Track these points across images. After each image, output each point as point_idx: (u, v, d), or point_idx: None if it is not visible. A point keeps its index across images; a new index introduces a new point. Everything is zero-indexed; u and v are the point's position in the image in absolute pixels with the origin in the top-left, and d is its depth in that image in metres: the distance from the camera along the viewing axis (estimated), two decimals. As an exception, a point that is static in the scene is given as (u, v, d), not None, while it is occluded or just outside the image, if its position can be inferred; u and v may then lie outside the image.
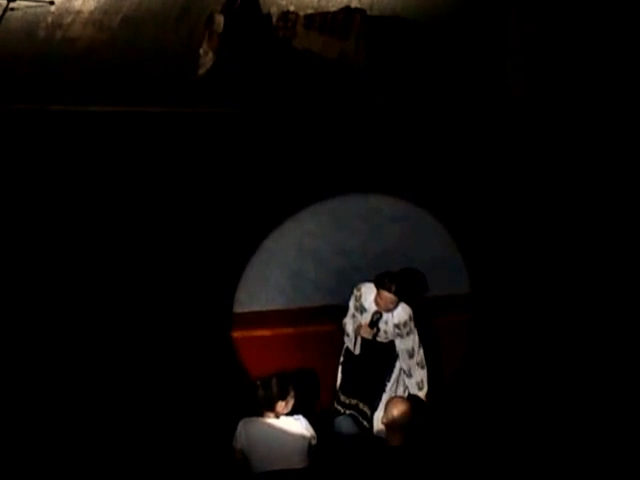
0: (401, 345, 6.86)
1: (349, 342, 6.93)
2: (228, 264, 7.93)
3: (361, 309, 6.84)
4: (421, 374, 6.97)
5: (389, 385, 7.03)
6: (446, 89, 9.45)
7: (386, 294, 6.64)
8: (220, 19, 9.56)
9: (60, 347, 7.50)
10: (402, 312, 6.81)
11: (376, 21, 9.97)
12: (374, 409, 7.04)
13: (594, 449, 6.54)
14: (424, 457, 5.88)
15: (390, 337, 6.85)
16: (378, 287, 6.69)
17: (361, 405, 7.05)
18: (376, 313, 6.73)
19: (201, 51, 9.55)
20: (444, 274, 7.99)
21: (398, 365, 6.96)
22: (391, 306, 6.69)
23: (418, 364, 6.96)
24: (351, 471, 5.96)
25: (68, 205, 8.21)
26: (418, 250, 8.02)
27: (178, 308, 7.72)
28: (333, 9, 10.14)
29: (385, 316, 6.80)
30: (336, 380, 7.23)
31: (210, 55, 9.52)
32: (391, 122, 9.02)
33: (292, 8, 10.28)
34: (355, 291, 6.91)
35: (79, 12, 10.07)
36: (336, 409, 7.22)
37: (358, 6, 10.13)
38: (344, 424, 7.10)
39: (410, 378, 6.92)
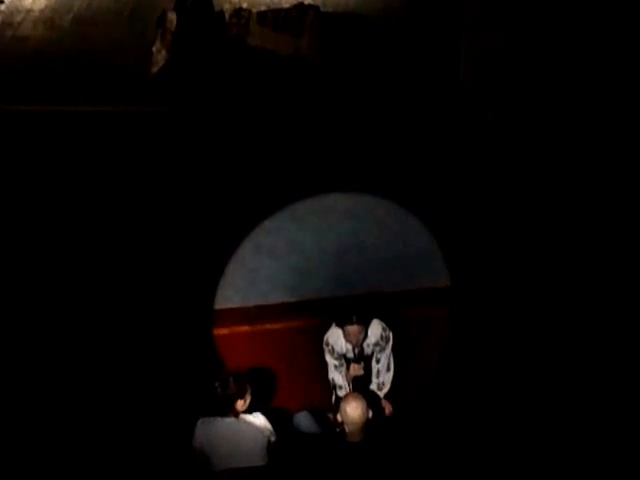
0: (381, 355, 6.86)
1: (341, 392, 6.90)
2: (208, 261, 7.86)
3: (339, 357, 6.84)
4: (386, 377, 6.97)
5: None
6: (400, 84, 9.46)
7: (351, 328, 6.64)
8: (172, 17, 9.49)
9: (41, 342, 7.43)
10: (374, 329, 6.85)
11: (330, 17, 9.92)
12: None
13: (582, 443, 6.55)
14: (383, 453, 5.84)
15: (371, 350, 6.86)
16: (341, 326, 6.67)
17: None
18: (354, 348, 6.73)
19: (154, 49, 9.48)
20: (403, 269, 7.97)
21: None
22: (361, 336, 6.69)
23: (387, 367, 6.97)
24: (310, 468, 5.94)
25: (26, 206, 8.11)
26: (376, 246, 8.00)
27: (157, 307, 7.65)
28: (286, 6, 10.13)
29: (364, 344, 6.81)
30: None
31: (163, 53, 9.45)
32: (347, 118, 9.00)
33: (245, 5, 10.24)
34: (324, 346, 6.89)
35: (29, 11, 9.96)
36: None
37: (311, 2, 10.09)
38: (303, 421, 7.07)
39: (377, 378, 6.91)
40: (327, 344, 6.86)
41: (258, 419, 6.34)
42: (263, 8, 10.14)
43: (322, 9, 10.00)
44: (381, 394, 6.98)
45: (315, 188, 8.36)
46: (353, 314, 6.65)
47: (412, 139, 8.83)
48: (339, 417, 5.93)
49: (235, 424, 6.27)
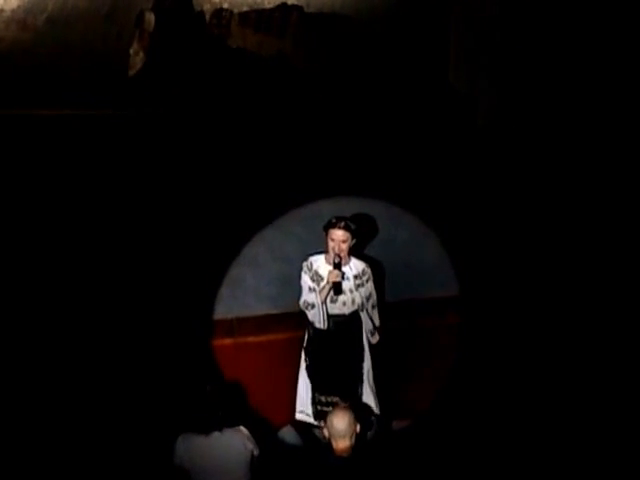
0: (364, 293, 6.62)
1: (316, 316, 6.59)
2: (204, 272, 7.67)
3: (318, 278, 6.57)
4: (376, 316, 6.77)
5: (365, 374, 6.77)
6: (388, 86, 9.35)
7: (336, 232, 6.42)
8: (151, 17, 9.40)
9: (39, 348, 7.18)
10: (357, 262, 6.64)
11: (314, 18, 9.80)
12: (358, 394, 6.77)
13: (588, 450, 6.41)
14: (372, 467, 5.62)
15: (350, 297, 6.60)
16: (327, 229, 6.46)
17: (337, 399, 6.74)
18: (335, 256, 6.50)
19: (131, 51, 9.39)
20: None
21: (367, 351, 6.73)
22: (344, 246, 6.46)
23: (374, 307, 6.74)
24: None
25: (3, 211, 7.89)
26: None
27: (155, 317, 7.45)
28: (269, 6, 10.03)
29: (345, 272, 6.56)
30: (298, 387, 6.90)
31: (141, 55, 9.39)
32: (334, 121, 8.87)
33: (226, 5, 10.12)
34: (305, 265, 6.64)
35: (1, 11, 9.77)
36: (315, 412, 6.86)
37: (295, 3, 9.93)
38: (287, 436, 6.78)
39: (370, 322, 6.71)
40: (307, 261, 6.59)
41: (241, 433, 6.10)
42: (245, 9, 10.05)
43: (306, 10, 9.88)
44: (374, 340, 6.75)
45: (302, 194, 8.17)
46: (342, 220, 6.39)
47: (401, 141, 8.69)
48: (325, 431, 5.65)
49: (217, 439, 6.03)
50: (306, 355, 6.76)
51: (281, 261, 7.69)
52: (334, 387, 6.71)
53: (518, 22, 9.55)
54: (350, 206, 7.74)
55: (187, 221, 7.96)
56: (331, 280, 6.47)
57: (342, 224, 6.39)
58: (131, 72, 9.37)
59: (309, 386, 6.78)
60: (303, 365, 6.79)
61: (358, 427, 5.53)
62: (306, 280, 6.54)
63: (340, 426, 5.49)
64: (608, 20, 9.09)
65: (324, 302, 6.53)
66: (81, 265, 7.59)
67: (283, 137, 8.73)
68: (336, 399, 6.65)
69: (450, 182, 8.37)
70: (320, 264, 6.53)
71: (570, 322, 7.23)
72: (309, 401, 6.77)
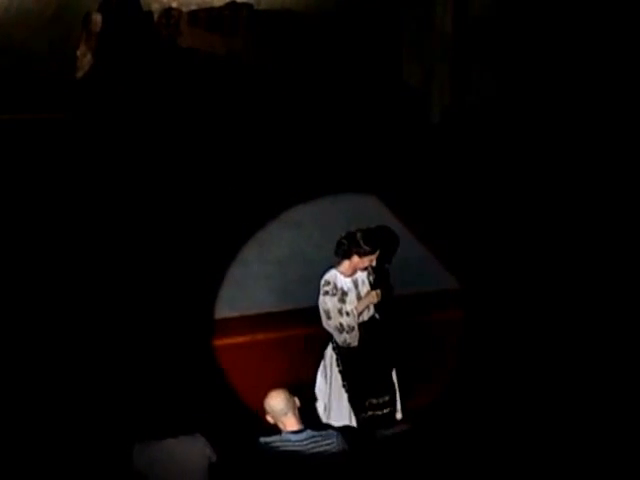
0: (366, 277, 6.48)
1: (354, 338, 6.38)
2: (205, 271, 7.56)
3: (343, 294, 6.35)
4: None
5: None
6: (341, 83, 9.29)
7: (369, 258, 6.21)
8: (98, 18, 9.22)
9: (38, 348, 7.06)
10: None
11: (264, 16, 9.72)
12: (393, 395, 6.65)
13: (591, 448, 6.39)
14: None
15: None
16: (352, 255, 6.21)
17: (378, 400, 6.63)
18: (370, 275, 6.32)
19: (78, 53, 9.22)
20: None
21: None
22: (374, 262, 6.28)
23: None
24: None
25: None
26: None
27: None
28: (218, 5, 9.86)
29: (359, 278, 6.38)
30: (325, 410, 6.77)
31: (88, 57, 9.21)
32: (285, 118, 8.81)
33: (175, 5, 9.97)
34: (328, 288, 6.34)
35: (-57, 13, 9.60)
36: (363, 419, 6.73)
37: (245, 1, 9.82)
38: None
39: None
40: (327, 283, 6.30)
41: (198, 440, 6.00)
42: (194, 8, 9.90)
43: (256, 7, 9.80)
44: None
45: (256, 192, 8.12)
46: (369, 241, 6.14)
47: (355, 138, 8.65)
48: (269, 418, 5.60)
49: (175, 445, 5.93)
50: (343, 376, 6.56)
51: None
52: (382, 387, 6.56)
53: (471, 18, 9.57)
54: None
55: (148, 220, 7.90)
56: (372, 301, 6.30)
57: (371, 249, 6.16)
58: (79, 74, 9.20)
59: (345, 399, 6.60)
60: (339, 384, 6.59)
61: (297, 400, 5.47)
62: (335, 303, 6.23)
63: (279, 405, 5.47)
64: (566, 13, 9.14)
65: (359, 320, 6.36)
66: (62, 265, 7.50)
67: (235, 136, 8.67)
68: (387, 397, 6.55)
69: (407, 176, 8.33)
70: (338, 280, 6.26)
71: (566, 318, 7.18)
72: (351, 413, 6.57)
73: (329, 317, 6.25)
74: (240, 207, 7.98)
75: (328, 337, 6.41)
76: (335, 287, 6.22)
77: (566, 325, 7.11)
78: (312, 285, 6.54)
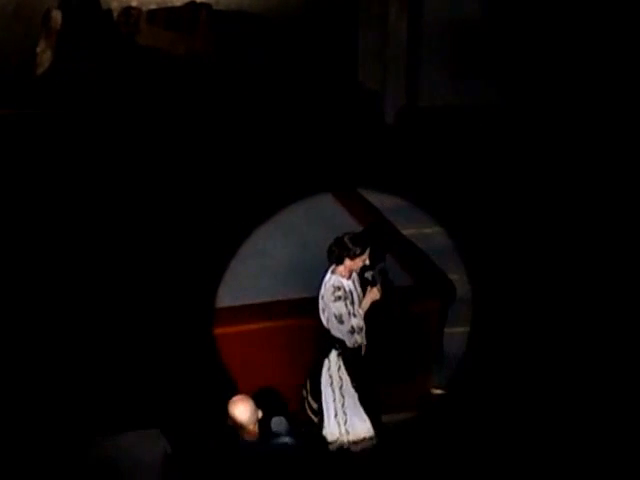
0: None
1: (362, 337, 6.48)
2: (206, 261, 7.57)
3: (352, 297, 6.45)
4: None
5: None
6: (297, 83, 9.38)
7: (361, 258, 6.30)
8: (57, 15, 9.25)
9: (36, 342, 7.04)
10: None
11: (223, 15, 9.78)
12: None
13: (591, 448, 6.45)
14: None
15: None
16: (344, 260, 6.28)
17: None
18: (365, 273, 6.42)
19: (38, 49, 9.24)
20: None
21: None
22: (367, 261, 6.37)
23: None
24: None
25: None
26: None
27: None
28: (178, 4, 9.92)
29: (354, 277, 6.53)
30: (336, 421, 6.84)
31: (48, 54, 9.23)
32: (242, 117, 8.88)
33: (134, 3, 9.96)
34: (337, 292, 6.33)
35: None
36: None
37: (204, 1, 9.88)
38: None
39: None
40: (337, 289, 6.32)
41: (153, 433, 6.08)
42: (153, 7, 9.91)
43: (215, 7, 9.83)
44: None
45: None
46: (358, 244, 6.20)
47: (311, 139, 8.72)
48: (229, 420, 5.72)
49: (129, 440, 6.00)
50: (353, 378, 6.64)
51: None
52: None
53: (425, 21, 9.70)
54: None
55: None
56: (375, 298, 6.37)
57: (361, 250, 6.22)
58: (39, 71, 9.21)
59: (357, 400, 6.64)
60: (350, 386, 6.69)
61: (260, 413, 5.59)
62: (348, 307, 6.30)
63: (244, 417, 5.58)
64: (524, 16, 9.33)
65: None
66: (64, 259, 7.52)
67: (192, 132, 8.73)
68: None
69: (362, 176, 8.43)
70: (343, 282, 6.36)
71: (563, 317, 7.25)
72: (368, 424, 6.64)
73: (341, 321, 6.31)
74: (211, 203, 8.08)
75: (327, 344, 6.47)
76: (345, 291, 6.30)
77: (564, 324, 7.19)
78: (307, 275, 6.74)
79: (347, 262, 6.23)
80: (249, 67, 9.43)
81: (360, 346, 6.42)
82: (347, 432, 6.59)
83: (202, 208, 7.95)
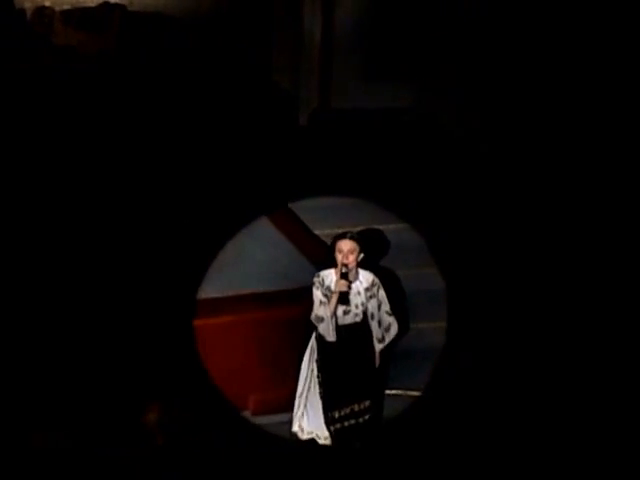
0: (375, 304, 6.73)
1: (325, 330, 6.61)
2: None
3: (330, 293, 6.61)
4: (389, 320, 6.88)
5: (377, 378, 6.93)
6: (213, 84, 9.39)
7: (344, 242, 6.53)
8: None
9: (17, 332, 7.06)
10: (367, 274, 6.79)
11: (137, 16, 9.74)
12: (376, 400, 6.87)
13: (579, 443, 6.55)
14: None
15: (361, 309, 6.67)
16: (335, 242, 6.58)
17: (356, 407, 6.77)
18: (342, 266, 6.55)
19: None
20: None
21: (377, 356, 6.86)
22: (351, 257, 6.56)
23: (389, 314, 6.89)
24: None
25: None
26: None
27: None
28: (91, 4, 9.83)
29: (355, 287, 6.64)
30: (301, 405, 6.85)
31: None
32: (158, 117, 8.89)
33: (48, 3, 9.85)
34: (316, 281, 6.69)
35: None
36: (333, 432, 6.84)
37: (118, 1, 9.84)
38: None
39: (379, 330, 6.86)
40: (318, 276, 6.70)
41: None
42: (67, 7, 9.80)
43: (129, 8, 9.79)
44: (378, 347, 6.87)
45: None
46: (351, 232, 6.66)
47: (223, 141, 8.80)
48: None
49: None
50: (319, 369, 6.77)
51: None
52: (348, 397, 6.79)
53: (338, 21, 9.81)
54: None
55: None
56: (338, 290, 6.56)
57: (349, 235, 6.50)
58: (-51, 74, 9.05)
59: (320, 405, 6.80)
60: (315, 381, 6.77)
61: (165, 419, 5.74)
62: (318, 295, 6.60)
63: (154, 419, 5.68)
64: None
65: (333, 314, 6.58)
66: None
67: (106, 133, 8.74)
68: (348, 410, 6.74)
69: (275, 177, 8.52)
70: (332, 279, 6.57)
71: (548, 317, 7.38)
72: (322, 422, 6.82)
73: (312, 308, 6.70)
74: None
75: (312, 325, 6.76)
76: (323, 282, 6.66)
77: (541, 316, 7.37)
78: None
79: (337, 256, 6.46)
80: (162, 68, 9.42)
81: (332, 342, 6.66)
82: (301, 428, 6.76)
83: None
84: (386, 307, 6.88)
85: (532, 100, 8.68)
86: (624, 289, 7.41)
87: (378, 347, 6.84)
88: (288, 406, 6.93)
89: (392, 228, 7.91)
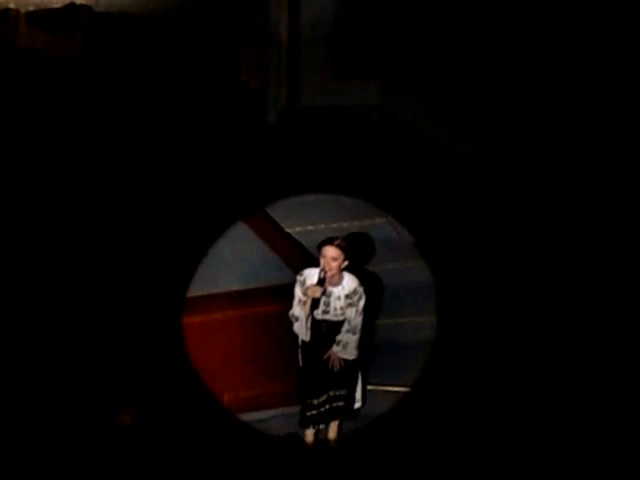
0: (351, 313, 6.69)
1: (299, 328, 6.61)
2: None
3: (306, 291, 6.59)
4: (351, 338, 6.70)
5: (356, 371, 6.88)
6: (181, 84, 9.41)
7: (328, 249, 6.47)
8: None
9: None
10: (350, 281, 6.60)
11: (103, 17, 9.72)
12: (351, 388, 6.87)
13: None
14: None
15: (340, 312, 6.64)
16: (321, 246, 6.50)
17: (332, 393, 6.77)
18: (321, 271, 6.52)
19: None
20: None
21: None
22: (333, 264, 6.49)
23: (354, 332, 6.70)
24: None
25: None
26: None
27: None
28: (57, 6, 9.81)
29: (336, 291, 6.60)
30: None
31: None
32: (126, 118, 8.88)
33: (12, 5, 9.80)
34: (298, 277, 6.61)
35: None
36: (308, 418, 6.85)
37: (83, 2, 9.82)
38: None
39: (345, 334, 6.69)
40: (301, 274, 6.59)
41: None
42: (32, 8, 9.76)
43: (95, 9, 9.77)
44: (345, 355, 6.73)
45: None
46: (337, 238, 6.50)
47: (193, 139, 8.80)
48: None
49: None
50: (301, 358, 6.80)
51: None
52: (323, 388, 6.77)
53: (305, 19, 9.84)
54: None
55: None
56: (310, 295, 6.51)
57: (336, 242, 6.45)
58: None
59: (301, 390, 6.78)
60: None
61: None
62: (297, 293, 6.50)
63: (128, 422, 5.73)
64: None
65: (309, 316, 6.56)
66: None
67: (73, 135, 8.73)
68: (324, 397, 6.74)
69: (245, 175, 8.53)
70: (314, 279, 6.50)
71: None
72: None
73: (293, 305, 6.61)
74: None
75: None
76: (304, 281, 6.53)
77: (525, 311, 7.32)
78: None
79: (321, 255, 6.47)
80: (128, 69, 9.41)
81: (317, 334, 6.64)
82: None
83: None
84: (358, 321, 6.91)
85: (498, 89, 8.75)
86: (611, 281, 7.46)
87: (335, 349, 6.89)
88: (273, 403, 6.97)
89: (367, 224, 8.00)
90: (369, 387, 7.15)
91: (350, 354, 6.69)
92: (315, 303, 6.56)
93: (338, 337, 6.69)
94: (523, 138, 8.45)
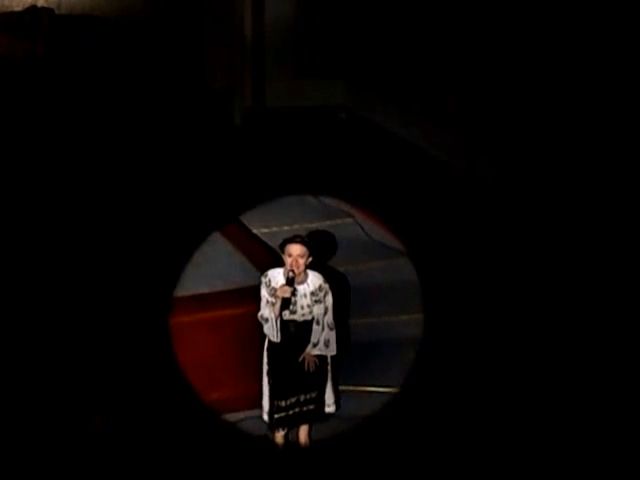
0: (321, 310, 6.67)
1: (270, 330, 6.56)
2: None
3: (273, 291, 6.56)
4: (330, 334, 6.68)
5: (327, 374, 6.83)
6: (145, 84, 9.37)
7: (293, 247, 6.44)
8: None
9: None
10: (314, 278, 6.59)
11: (65, 20, 9.67)
12: (320, 391, 6.80)
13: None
14: None
15: (307, 310, 6.61)
16: (284, 246, 6.49)
17: (302, 397, 6.73)
18: (289, 271, 6.49)
19: None
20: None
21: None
22: (301, 261, 6.47)
23: (329, 325, 6.70)
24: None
25: None
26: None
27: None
28: (18, 9, 9.75)
29: (301, 289, 6.58)
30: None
31: None
32: (88, 120, 8.84)
33: None
34: (262, 278, 6.59)
35: None
36: (276, 420, 6.80)
37: (45, 5, 9.75)
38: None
39: (320, 335, 6.64)
40: (265, 276, 6.57)
41: None
42: None
43: (57, 12, 9.72)
44: (329, 352, 6.72)
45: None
46: (300, 236, 6.51)
47: (159, 141, 8.75)
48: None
49: None
50: (267, 360, 6.75)
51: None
52: (293, 390, 6.73)
53: (269, 20, 9.84)
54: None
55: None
56: (280, 295, 6.47)
57: (299, 239, 6.43)
58: None
59: (267, 394, 6.75)
60: (265, 370, 6.76)
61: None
62: (264, 294, 6.47)
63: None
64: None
65: (278, 316, 6.53)
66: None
67: (33, 139, 8.67)
68: (294, 399, 6.71)
69: (211, 176, 8.52)
70: (279, 279, 6.46)
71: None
72: (267, 410, 6.73)
73: (261, 306, 6.59)
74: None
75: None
76: (269, 282, 6.52)
77: (510, 308, 7.30)
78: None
79: (285, 254, 6.45)
80: (91, 71, 9.37)
81: (285, 336, 6.60)
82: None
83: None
84: (329, 317, 6.90)
85: (464, 87, 8.80)
86: (603, 278, 7.50)
87: (310, 350, 6.87)
88: (245, 405, 6.94)
89: (334, 224, 8.03)
90: (359, 388, 7.19)
91: (332, 350, 6.69)
92: (285, 303, 6.57)
93: (315, 338, 6.71)
94: (490, 135, 8.49)
